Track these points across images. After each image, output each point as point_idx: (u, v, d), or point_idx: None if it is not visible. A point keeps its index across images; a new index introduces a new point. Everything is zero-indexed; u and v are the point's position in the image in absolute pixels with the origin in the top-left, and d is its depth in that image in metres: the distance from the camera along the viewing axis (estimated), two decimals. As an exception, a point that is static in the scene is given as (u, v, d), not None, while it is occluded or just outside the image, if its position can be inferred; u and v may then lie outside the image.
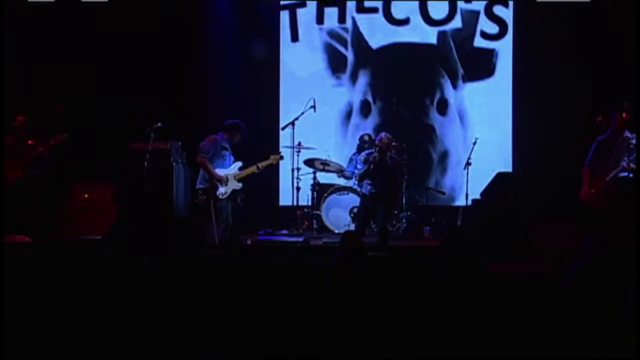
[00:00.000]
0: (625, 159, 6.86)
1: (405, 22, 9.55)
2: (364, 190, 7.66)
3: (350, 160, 8.98)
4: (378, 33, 9.62)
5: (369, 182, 7.54)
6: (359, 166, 7.89)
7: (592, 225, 6.74)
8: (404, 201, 8.76)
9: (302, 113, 8.49)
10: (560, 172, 7.58)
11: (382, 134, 7.60)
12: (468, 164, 8.15)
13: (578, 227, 7.01)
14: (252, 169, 7.63)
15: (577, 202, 7.14)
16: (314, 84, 9.54)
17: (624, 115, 6.85)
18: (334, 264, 4.59)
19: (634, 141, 6.83)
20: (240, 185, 7.57)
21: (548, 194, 8.39)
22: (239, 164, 7.62)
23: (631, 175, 6.81)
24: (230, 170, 7.52)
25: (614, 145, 6.97)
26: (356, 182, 8.23)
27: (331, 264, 4.53)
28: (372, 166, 7.40)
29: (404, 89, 9.36)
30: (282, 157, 7.92)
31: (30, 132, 7.88)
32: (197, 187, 7.55)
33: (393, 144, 7.70)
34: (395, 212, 8.52)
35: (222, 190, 7.43)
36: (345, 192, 8.55)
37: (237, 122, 7.67)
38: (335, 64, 9.70)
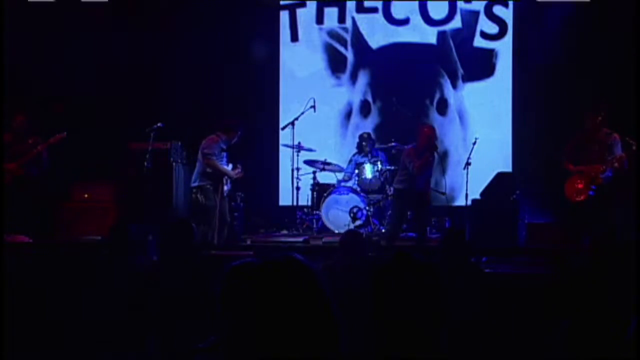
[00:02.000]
0: (609, 156, 6.98)
1: (405, 22, 9.54)
2: (396, 186, 7.58)
3: (350, 161, 8.97)
4: (378, 33, 9.61)
5: (402, 177, 7.41)
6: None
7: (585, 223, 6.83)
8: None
9: (302, 113, 8.48)
10: (560, 172, 7.57)
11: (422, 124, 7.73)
12: (468, 164, 8.13)
13: (577, 227, 7.04)
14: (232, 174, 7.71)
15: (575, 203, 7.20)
16: (314, 84, 9.53)
17: (598, 117, 6.99)
18: (335, 263, 4.60)
19: (613, 137, 6.96)
20: (229, 186, 7.70)
21: (548, 194, 8.39)
22: (231, 165, 7.71)
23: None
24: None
25: (591, 142, 7.07)
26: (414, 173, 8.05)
27: (329, 264, 4.53)
28: (431, 158, 7.33)
29: (404, 89, 9.34)
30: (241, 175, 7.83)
31: (29, 131, 7.88)
32: (193, 184, 7.59)
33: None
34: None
35: (226, 188, 7.55)
36: (345, 192, 8.55)
37: (235, 122, 7.71)
38: (335, 64, 9.69)
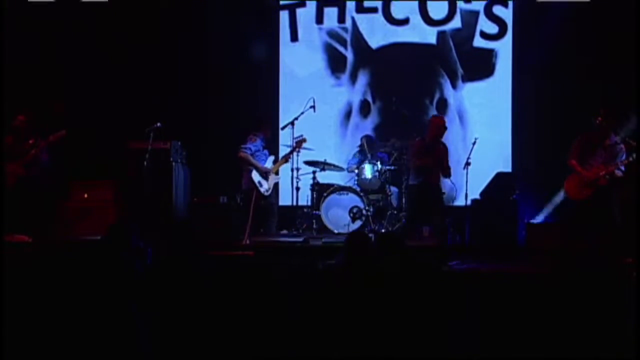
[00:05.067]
0: (613, 161, 6.97)
1: (404, 22, 9.55)
2: (411, 181, 7.67)
3: (354, 155, 9.02)
4: (377, 33, 9.61)
5: (417, 170, 7.49)
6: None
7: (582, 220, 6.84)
8: (403, 201, 8.74)
9: (302, 113, 8.47)
10: (560, 172, 7.58)
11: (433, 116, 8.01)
12: (468, 164, 8.13)
13: (577, 227, 7.04)
14: (283, 160, 8.17)
15: (576, 202, 7.21)
16: (314, 83, 9.53)
17: (598, 118, 7.01)
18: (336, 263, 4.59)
19: (621, 145, 6.96)
20: (278, 177, 8.05)
21: (548, 194, 8.40)
22: (272, 157, 8.10)
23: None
24: (267, 165, 7.99)
25: (597, 146, 7.07)
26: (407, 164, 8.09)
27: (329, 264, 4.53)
28: (425, 141, 7.46)
29: (404, 89, 9.35)
30: (304, 140, 8.21)
31: (30, 131, 7.88)
32: (244, 188, 7.93)
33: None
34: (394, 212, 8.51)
35: (265, 187, 7.84)
36: (345, 192, 8.54)
37: (261, 117, 8.26)
38: (335, 63, 9.70)
